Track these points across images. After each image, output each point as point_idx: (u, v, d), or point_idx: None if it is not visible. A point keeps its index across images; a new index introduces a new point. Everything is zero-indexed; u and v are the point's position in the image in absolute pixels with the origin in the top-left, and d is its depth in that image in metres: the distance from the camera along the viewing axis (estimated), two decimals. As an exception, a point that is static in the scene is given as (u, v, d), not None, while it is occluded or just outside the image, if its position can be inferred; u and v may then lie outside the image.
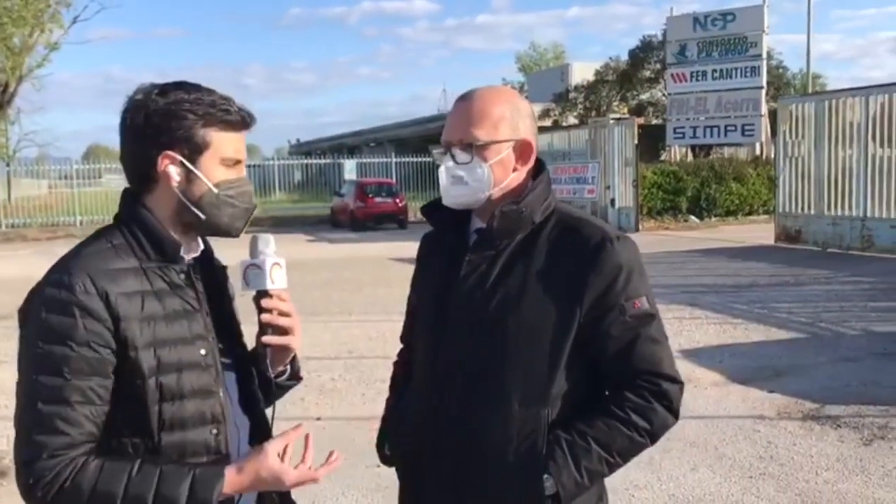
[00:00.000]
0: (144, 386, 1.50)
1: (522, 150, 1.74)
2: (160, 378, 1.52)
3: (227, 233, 1.65)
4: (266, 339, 1.66)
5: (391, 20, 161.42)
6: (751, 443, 5.18)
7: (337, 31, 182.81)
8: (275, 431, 1.72)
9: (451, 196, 1.75)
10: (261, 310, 1.65)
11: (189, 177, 1.58)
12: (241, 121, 1.62)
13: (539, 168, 1.79)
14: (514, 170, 1.74)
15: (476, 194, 1.72)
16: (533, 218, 1.72)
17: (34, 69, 31.40)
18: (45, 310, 1.46)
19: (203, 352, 1.58)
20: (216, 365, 1.60)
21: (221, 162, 1.60)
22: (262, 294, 1.64)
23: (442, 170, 1.75)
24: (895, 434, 5.22)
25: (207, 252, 1.70)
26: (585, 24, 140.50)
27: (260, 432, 1.71)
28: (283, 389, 1.80)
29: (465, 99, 1.76)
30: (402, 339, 2.05)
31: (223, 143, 1.59)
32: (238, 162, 1.64)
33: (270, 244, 1.68)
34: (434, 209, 1.83)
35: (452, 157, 1.72)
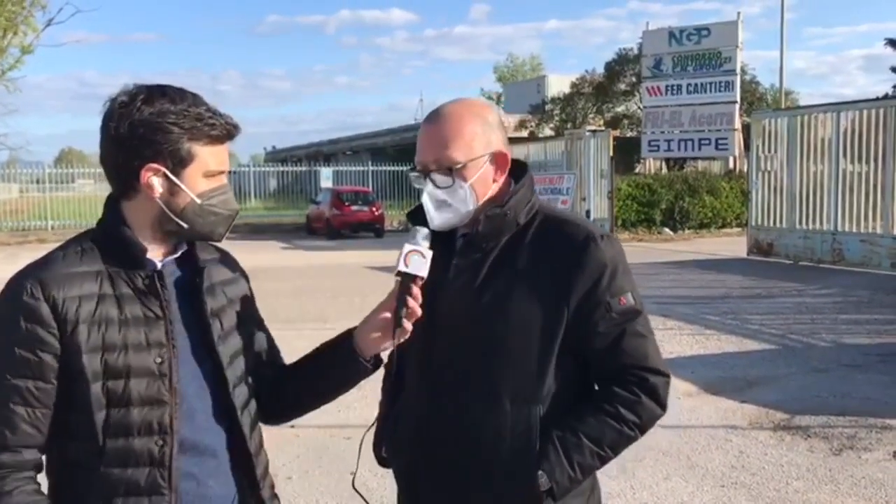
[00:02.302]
0: (88, 390, 1.50)
1: (498, 161, 1.77)
2: (107, 383, 1.51)
3: (210, 238, 1.66)
4: (407, 324, 1.65)
5: (369, 30, 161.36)
6: (723, 452, 5.23)
7: (315, 39, 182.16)
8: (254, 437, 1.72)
9: (438, 220, 1.76)
10: (408, 293, 1.65)
11: (172, 189, 1.58)
12: (227, 134, 1.62)
13: (522, 171, 1.82)
14: (494, 181, 1.77)
15: (461, 215, 1.74)
16: (517, 220, 1.75)
17: (6, 71, 31.00)
18: None
19: (158, 360, 1.55)
20: (171, 374, 1.56)
21: (205, 174, 1.60)
22: (415, 279, 1.65)
23: (425, 196, 1.76)
24: (864, 444, 5.30)
25: (192, 254, 1.68)
26: (562, 37, 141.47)
27: (235, 443, 1.67)
28: (366, 374, 1.77)
29: (435, 120, 1.76)
30: None
31: (208, 156, 1.59)
32: (221, 172, 1.64)
33: (427, 238, 1.69)
34: (420, 214, 1.82)
35: (433, 181, 1.73)
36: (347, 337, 1.76)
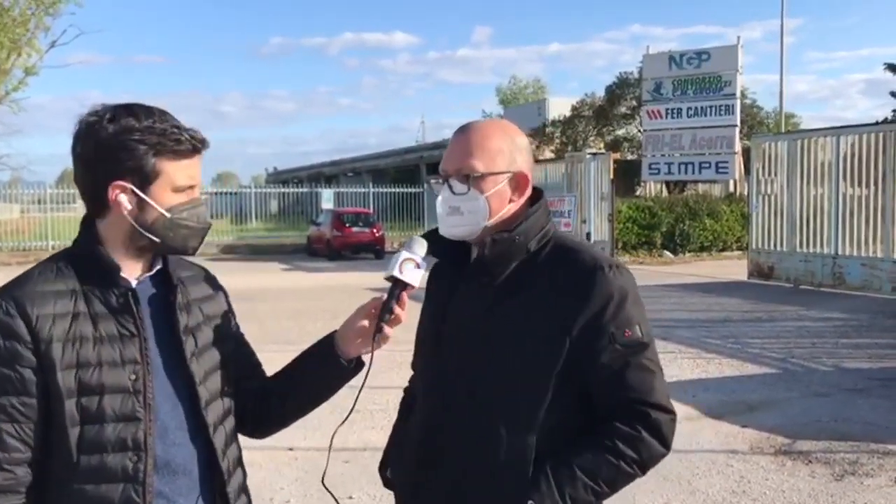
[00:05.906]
0: (63, 407, 1.51)
1: (518, 182, 1.76)
2: (81, 400, 1.52)
3: (184, 252, 1.67)
4: (388, 330, 1.70)
5: (372, 52, 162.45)
6: (724, 477, 5.19)
7: (318, 61, 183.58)
8: (252, 458, 1.70)
9: (448, 226, 1.77)
10: (396, 299, 1.70)
11: (141, 204, 1.60)
12: (193, 148, 1.62)
13: (537, 197, 1.81)
14: (511, 201, 1.76)
15: (472, 225, 1.74)
16: (528, 246, 1.73)
17: (10, 92, 31.14)
18: None
19: (133, 377, 1.56)
20: (145, 391, 1.57)
21: (174, 189, 1.61)
22: (406, 287, 1.70)
23: (439, 200, 1.76)
24: (866, 470, 5.26)
25: (167, 272, 1.69)
26: (564, 60, 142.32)
27: (208, 461, 1.67)
28: (349, 376, 1.80)
29: (465, 131, 1.77)
30: (413, 366, 2.04)
31: (175, 171, 1.60)
32: (191, 186, 1.64)
33: (424, 250, 1.74)
34: (433, 239, 1.81)
35: (450, 187, 1.74)
36: (328, 339, 1.79)
